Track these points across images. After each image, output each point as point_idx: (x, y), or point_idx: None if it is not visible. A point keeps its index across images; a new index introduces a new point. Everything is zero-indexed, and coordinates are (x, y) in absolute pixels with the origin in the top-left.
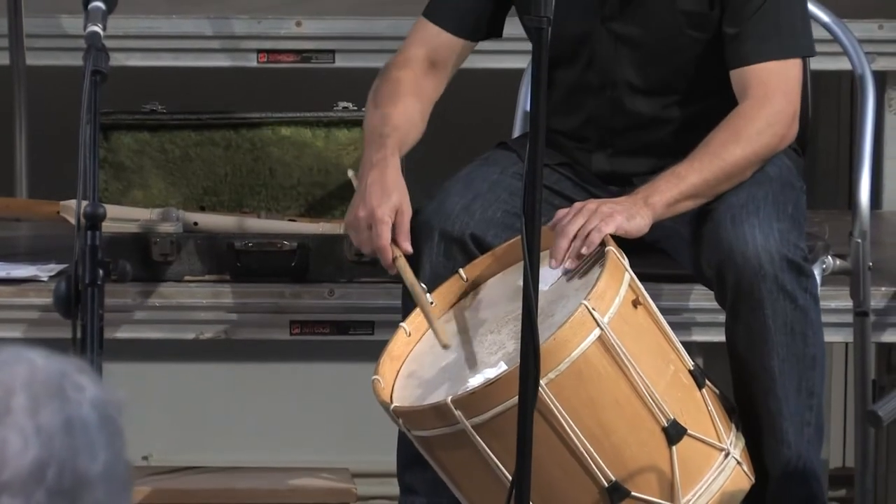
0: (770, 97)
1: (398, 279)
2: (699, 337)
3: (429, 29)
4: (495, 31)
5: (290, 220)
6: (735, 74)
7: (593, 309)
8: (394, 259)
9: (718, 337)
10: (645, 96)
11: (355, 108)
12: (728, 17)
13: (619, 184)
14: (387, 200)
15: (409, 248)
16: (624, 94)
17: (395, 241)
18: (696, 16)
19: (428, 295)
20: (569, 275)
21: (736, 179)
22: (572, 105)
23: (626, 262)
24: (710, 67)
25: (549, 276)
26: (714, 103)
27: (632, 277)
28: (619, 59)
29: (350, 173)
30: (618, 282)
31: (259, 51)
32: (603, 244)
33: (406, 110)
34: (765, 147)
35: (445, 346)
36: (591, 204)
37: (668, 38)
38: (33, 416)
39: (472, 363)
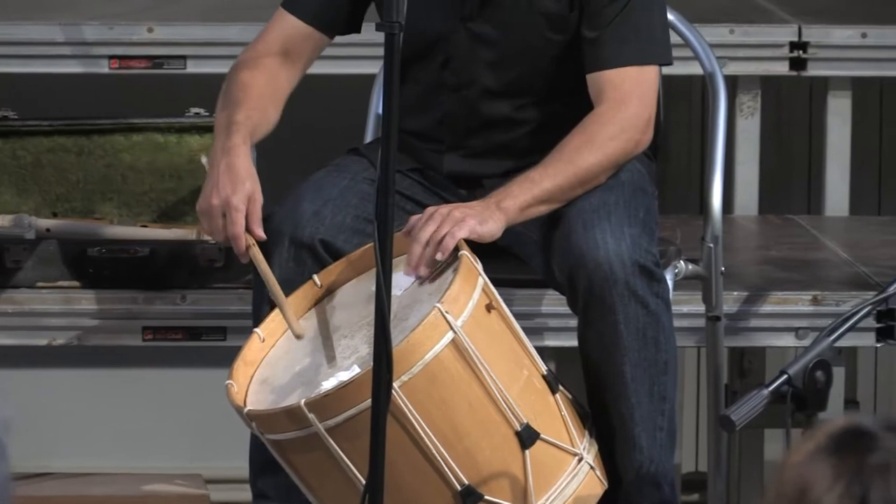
0: (625, 102)
1: (251, 285)
2: (552, 342)
3: (286, 19)
4: (354, 27)
5: (142, 225)
6: (591, 78)
7: (447, 312)
8: (247, 247)
9: (571, 342)
10: (500, 98)
11: (207, 113)
12: (587, 20)
13: (470, 186)
14: (241, 188)
15: (262, 234)
16: (479, 95)
17: (247, 228)
18: (556, 17)
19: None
20: (423, 279)
21: (590, 185)
22: (426, 104)
23: (479, 266)
24: (565, 70)
25: (403, 281)
26: (568, 106)
27: (485, 282)
28: (475, 59)
29: (203, 159)
30: (471, 286)
31: (111, 57)
32: (457, 249)
33: (259, 100)
34: (618, 152)
35: (299, 337)
36: (444, 209)
37: (527, 39)
38: None
39: (326, 367)
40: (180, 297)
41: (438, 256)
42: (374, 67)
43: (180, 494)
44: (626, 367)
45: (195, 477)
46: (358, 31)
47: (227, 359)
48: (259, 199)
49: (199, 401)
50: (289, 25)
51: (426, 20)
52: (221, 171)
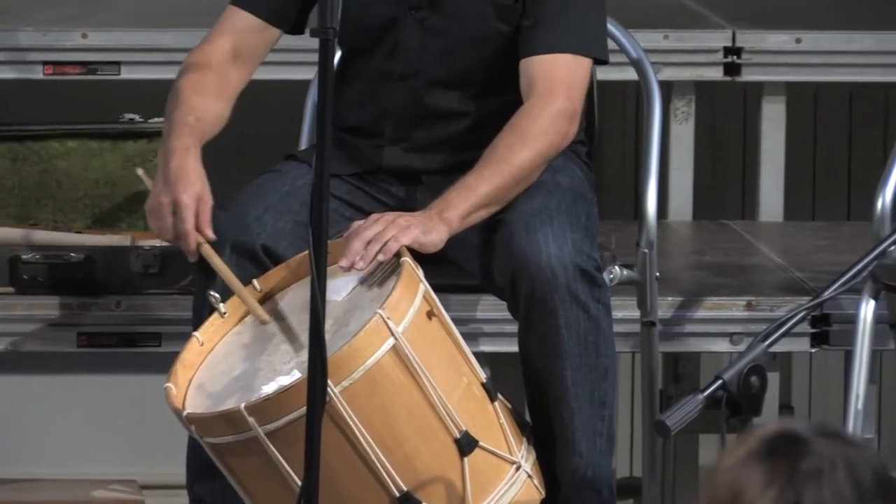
0: (553, 94)
1: (185, 290)
2: (487, 347)
3: (237, 16)
4: (300, 27)
5: (77, 232)
6: (524, 64)
7: (388, 318)
8: (198, 245)
9: (506, 347)
10: (445, 88)
11: (141, 119)
12: (528, 9)
13: (410, 181)
14: (190, 188)
15: (211, 234)
16: (425, 85)
17: (196, 228)
18: (503, 7)
19: (221, 305)
20: (364, 285)
21: (525, 183)
22: (370, 96)
23: (421, 273)
24: (508, 62)
25: (343, 286)
26: (509, 99)
27: (427, 289)
28: (424, 49)
29: (139, 171)
30: (413, 293)
31: (45, 63)
32: (398, 255)
33: (210, 104)
34: (548, 146)
35: (265, 322)
36: (389, 216)
37: (475, 29)
38: None
39: (265, 372)
40: (115, 303)
41: (380, 258)
42: (310, 73)
43: (116, 500)
44: (567, 372)
45: (131, 482)
46: (302, 32)
47: (162, 365)
48: (209, 200)
49: (134, 407)
50: (240, 21)
51: (372, 9)
52: (171, 171)
